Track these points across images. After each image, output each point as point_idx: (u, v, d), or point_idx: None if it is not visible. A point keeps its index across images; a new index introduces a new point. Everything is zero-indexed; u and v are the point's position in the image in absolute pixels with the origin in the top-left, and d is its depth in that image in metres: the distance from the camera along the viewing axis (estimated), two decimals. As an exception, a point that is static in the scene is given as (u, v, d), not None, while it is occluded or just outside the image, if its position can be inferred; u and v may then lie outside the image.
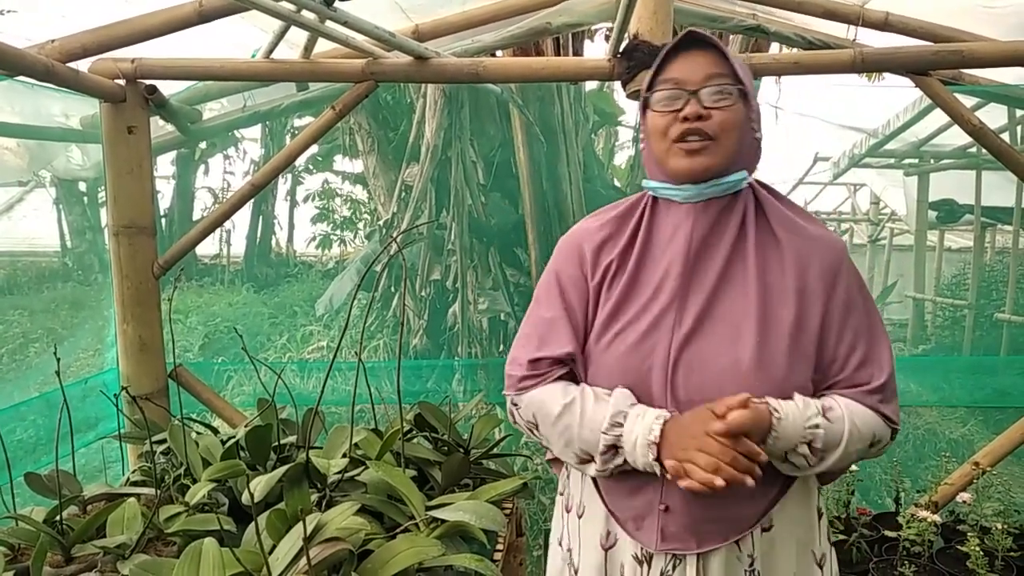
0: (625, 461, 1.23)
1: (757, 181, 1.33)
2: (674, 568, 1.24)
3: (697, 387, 1.21)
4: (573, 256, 1.36)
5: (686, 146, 1.21)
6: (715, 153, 1.21)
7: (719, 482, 1.10)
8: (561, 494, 1.47)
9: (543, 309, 1.35)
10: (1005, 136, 4.71)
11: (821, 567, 1.30)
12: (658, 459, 1.18)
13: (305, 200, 10.82)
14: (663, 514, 1.24)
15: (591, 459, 1.26)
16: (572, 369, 1.33)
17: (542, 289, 1.39)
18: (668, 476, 1.17)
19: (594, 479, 1.33)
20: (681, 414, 1.20)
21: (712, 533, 1.23)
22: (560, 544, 1.43)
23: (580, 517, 1.37)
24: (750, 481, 1.12)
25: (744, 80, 1.22)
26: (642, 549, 1.26)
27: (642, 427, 1.19)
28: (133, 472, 2.08)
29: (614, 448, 1.23)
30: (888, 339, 1.28)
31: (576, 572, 1.36)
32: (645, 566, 1.26)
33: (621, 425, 1.22)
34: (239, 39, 2.64)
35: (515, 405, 1.36)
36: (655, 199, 1.33)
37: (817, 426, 1.18)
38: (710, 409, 1.15)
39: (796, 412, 1.17)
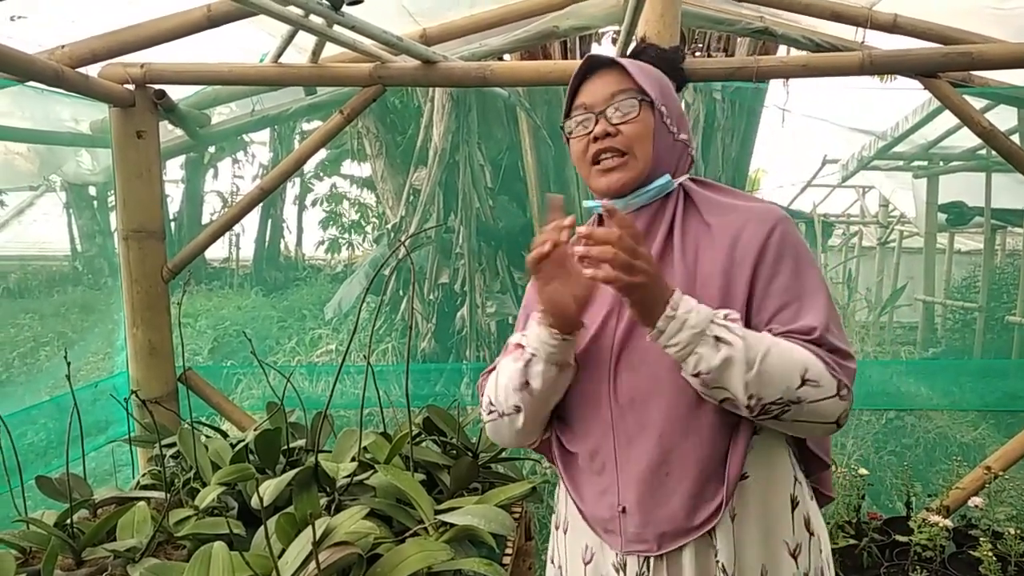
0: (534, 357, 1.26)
1: (691, 178, 1.37)
2: (649, 569, 1.25)
3: (634, 384, 1.25)
4: None
5: (602, 166, 1.29)
6: (631, 167, 1.28)
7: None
8: (554, 512, 1.49)
9: (513, 338, 1.39)
10: (1015, 138, 4.68)
11: (795, 558, 1.29)
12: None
13: (314, 204, 10.84)
14: (622, 516, 1.26)
15: (525, 384, 1.28)
16: None
17: (518, 321, 1.46)
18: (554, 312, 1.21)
19: (569, 493, 1.35)
20: (622, 417, 1.26)
21: (669, 533, 1.23)
22: (552, 562, 1.46)
23: (566, 533, 1.40)
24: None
25: (649, 90, 1.26)
26: (617, 556, 1.27)
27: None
28: (143, 476, 2.09)
29: (520, 347, 1.28)
30: (826, 298, 1.23)
31: None
32: (622, 573, 1.27)
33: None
34: (247, 44, 2.65)
35: (482, 402, 1.40)
36: (600, 217, 1.38)
37: (727, 317, 1.15)
38: None
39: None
